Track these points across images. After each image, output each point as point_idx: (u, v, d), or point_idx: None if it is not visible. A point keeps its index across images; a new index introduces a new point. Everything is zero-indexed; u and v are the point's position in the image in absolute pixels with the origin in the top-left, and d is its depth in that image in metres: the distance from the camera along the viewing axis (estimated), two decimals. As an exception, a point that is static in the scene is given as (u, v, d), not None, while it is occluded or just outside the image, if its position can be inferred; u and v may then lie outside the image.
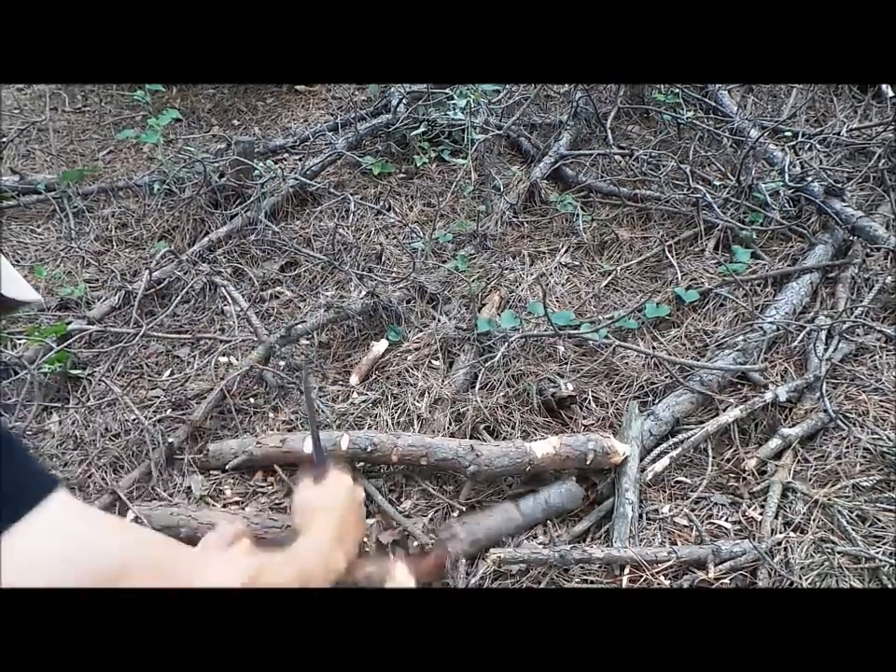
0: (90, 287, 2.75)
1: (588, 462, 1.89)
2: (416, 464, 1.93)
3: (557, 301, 2.62)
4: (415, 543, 1.80)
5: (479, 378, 2.24)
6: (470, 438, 2.03)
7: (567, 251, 2.90)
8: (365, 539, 1.72)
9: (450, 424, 2.10)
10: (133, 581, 0.65)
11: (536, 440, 1.96)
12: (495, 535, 1.80)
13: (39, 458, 1.97)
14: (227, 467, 2.00)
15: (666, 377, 2.24)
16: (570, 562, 1.70)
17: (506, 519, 1.82)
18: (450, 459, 1.90)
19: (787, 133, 3.20)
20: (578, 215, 2.99)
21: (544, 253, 2.90)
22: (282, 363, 2.37)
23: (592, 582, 1.71)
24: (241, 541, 0.95)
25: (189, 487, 1.99)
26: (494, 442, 1.97)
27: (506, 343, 2.24)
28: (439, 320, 2.49)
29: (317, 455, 1.09)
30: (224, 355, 2.41)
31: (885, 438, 1.97)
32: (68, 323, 2.41)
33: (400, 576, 1.62)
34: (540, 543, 1.81)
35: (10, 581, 0.57)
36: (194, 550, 0.81)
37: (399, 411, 2.18)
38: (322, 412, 2.17)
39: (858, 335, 2.33)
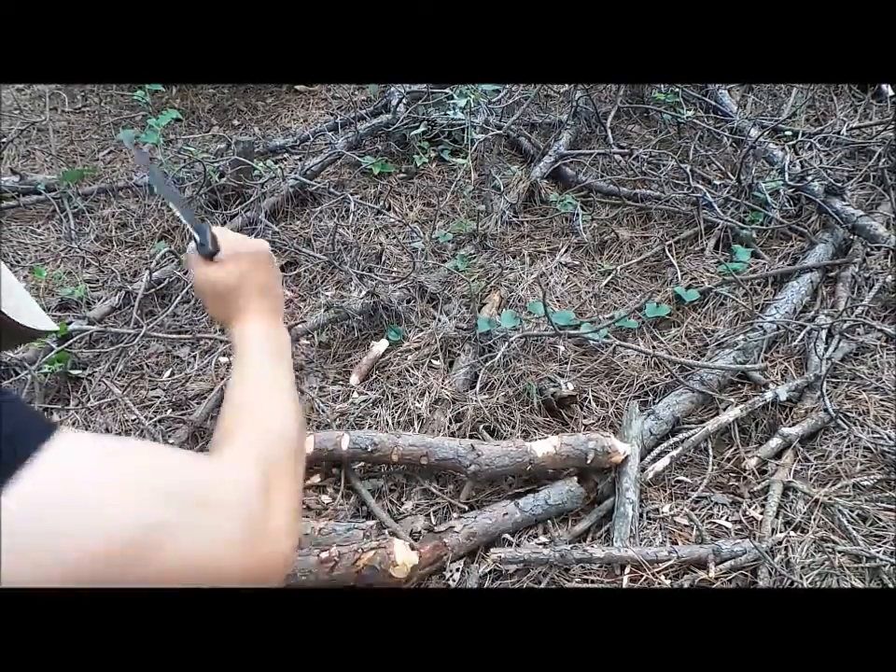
0: (90, 287, 2.75)
1: (588, 461, 1.89)
2: (417, 463, 1.93)
3: (557, 301, 2.62)
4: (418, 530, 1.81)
5: (479, 378, 2.24)
6: (470, 437, 2.03)
7: (567, 251, 2.90)
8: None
9: (450, 424, 2.11)
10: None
11: (536, 439, 1.96)
12: (493, 531, 1.81)
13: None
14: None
15: (667, 376, 2.24)
16: (571, 562, 1.70)
17: (504, 516, 1.82)
18: (450, 459, 1.90)
19: (787, 133, 3.20)
20: (578, 214, 2.99)
21: (544, 252, 2.90)
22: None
23: (592, 582, 1.71)
24: None
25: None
26: (494, 442, 1.97)
27: (506, 343, 2.24)
28: (439, 320, 2.49)
29: (201, 236, 0.84)
30: (224, 355, 2.41)
31: (885, 437, 1.97)
32: (68, 323, 2.41)
33: (401, 554, 1.63)
34: (541, 543, 1.81)
35: (13, 531, 0.48)
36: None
37: (399, 410, 2.18)
38: (322, 412, 2.17)
39: (858, 334, 2.33)
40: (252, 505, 0.58)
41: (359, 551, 1.64)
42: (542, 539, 1.84)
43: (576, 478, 1.92)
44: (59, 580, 0.51)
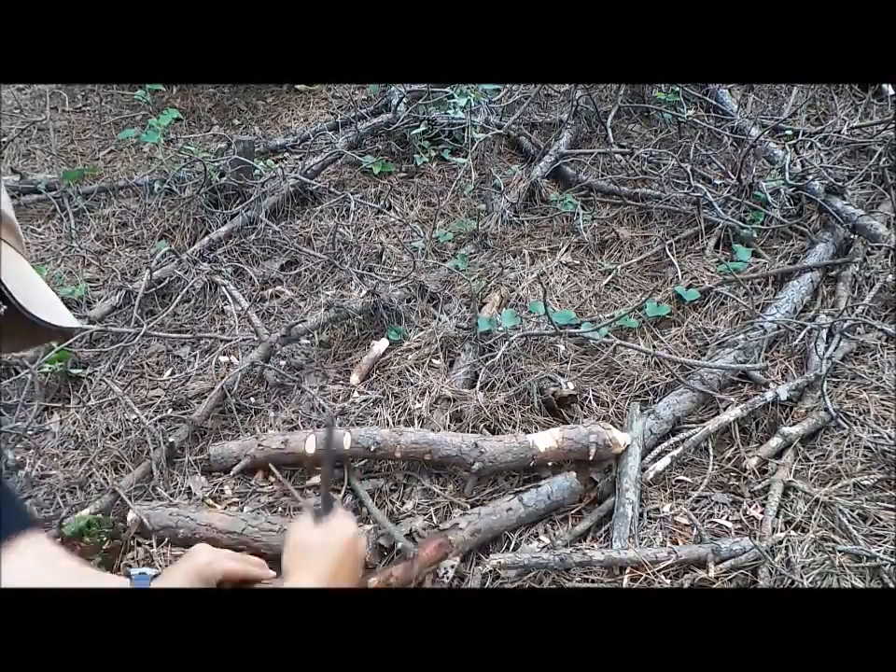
0: (90, 286, 2.75)
1: (591, 457, 1.89)
2: (420, 460, 1.94)
3: (558, 300, 2.62)
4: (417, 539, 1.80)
5: (479, 377, 2.24)
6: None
7: (567, 250, 2.90)
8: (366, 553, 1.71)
9: (450, 423, 2.11)
10: None
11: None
12: (497, 527, 1.81)
13: (20, 496, 1.90)
14: (232, 472, 1.99)
15: (667, 376, 2.24)
16: (571, 565, 1.70)
17: (508, 511, 1.82)
18: (454, 456, 1.90)
19: (787, 132, 3.20)
20: (578, 213, 2.99)
21: (545, 252, 2.89)
22: (282, 362, 2.38)
23: (593, 581, 1.71)
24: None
25: (190, 488, 1.98)
26: (496, 437, 1.98)
27: (507, 343, 2.24)
28: (439, 319, 2.49)
29: (325, 503, 1.00)
30: (225, 354, 2.41)
31: (886, 436, 1.97)
32: (69, 323, 2.41)
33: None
34: (542, 545, 1.81)
35: None
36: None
37: (399, 410, 2.18)
38: (322, 411, 2.17)
39: (859, 333, 2.33)
40: None
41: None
42: (543, 539, 1.83)
43: (574, 473, 1.92)
44: None
